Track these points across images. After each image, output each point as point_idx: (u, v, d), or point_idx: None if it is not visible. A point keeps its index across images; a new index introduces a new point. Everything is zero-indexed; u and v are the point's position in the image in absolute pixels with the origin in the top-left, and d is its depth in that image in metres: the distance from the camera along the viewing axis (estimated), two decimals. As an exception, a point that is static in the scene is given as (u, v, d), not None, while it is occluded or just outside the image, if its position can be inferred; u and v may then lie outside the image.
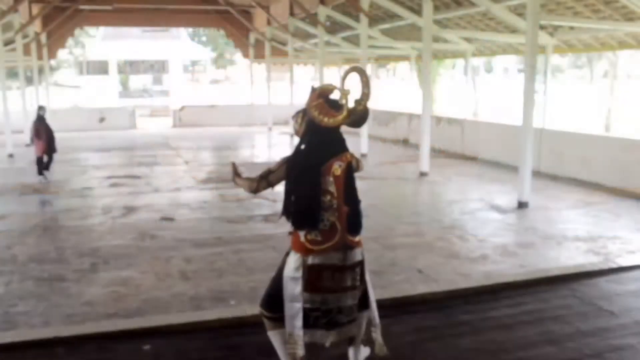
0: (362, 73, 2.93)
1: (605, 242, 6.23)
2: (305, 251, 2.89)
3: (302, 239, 2.90)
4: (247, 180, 3.13)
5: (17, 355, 3.64)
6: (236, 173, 3.19)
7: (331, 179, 2.91)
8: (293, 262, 2.92)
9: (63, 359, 3.61)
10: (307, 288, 2.90)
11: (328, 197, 2.90)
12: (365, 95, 2.91)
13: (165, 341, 3.79)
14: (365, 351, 3.29)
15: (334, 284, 2.91)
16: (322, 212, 2.89)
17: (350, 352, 3.25)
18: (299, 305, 2.90)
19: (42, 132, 9.97)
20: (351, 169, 3.00)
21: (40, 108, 10.22)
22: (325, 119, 2.88)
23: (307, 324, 2.93)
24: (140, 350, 3.67)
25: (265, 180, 3.06)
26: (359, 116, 2.93)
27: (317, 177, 2.89)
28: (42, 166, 10.10)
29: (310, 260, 2.88)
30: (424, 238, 6.45)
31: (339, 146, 2.99)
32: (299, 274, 2.89)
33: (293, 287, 2.90)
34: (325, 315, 2.95)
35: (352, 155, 3.03)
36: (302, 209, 2.90)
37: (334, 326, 2.99)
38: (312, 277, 2.89)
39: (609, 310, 4.29)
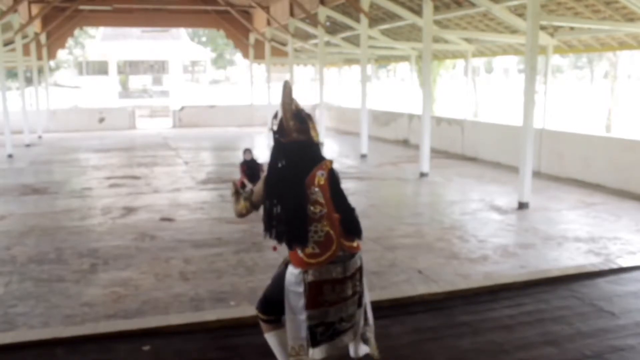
0: (284, 87, 3.01)
1: (605, 242, 6.22)
2: (304, 265, 2.85)
3: (300, 253, 2.85)
4: (236, 203, 3.15)
5: (17, 355, 3.62)
6: (236, 191, 3.20)
7: (317, 189, 2.89)
8: (294, 277, 2.87)
9: (62, 359, 3.60)
10: (309, 305, 2.85)
11: (318, 208, 2.86)
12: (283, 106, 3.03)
13: (165, 342, 3.78)
14: (365, 347, 3.29)
15: (335, 297, 2.89)
16: (314, 223, 2.85)
17: (351, 347, 3.25)
18: (302, 318, 2.87)
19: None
20: (334, 175, 2.99)
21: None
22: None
23: (314, 342, 2.93)
24: (139, 351, 3.66)
25: (248, 201, 3.08)
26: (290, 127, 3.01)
27: (302, 191, 2.86)
28: None
29: (311, 276, 2.84)
30: (424, 239, 6.44)
31: (318, 156, 3.00)
32: (301, 288, 2.85)
33: (296, 301, 2.86)
34: (329, 327, 2.94)
35: (331, 162, 3.03)
36: (290, 227, 2.86)
37: (338, 334, 3.00)
38: (313, 293, 2.85)
39: (609, 311, 4.28)
